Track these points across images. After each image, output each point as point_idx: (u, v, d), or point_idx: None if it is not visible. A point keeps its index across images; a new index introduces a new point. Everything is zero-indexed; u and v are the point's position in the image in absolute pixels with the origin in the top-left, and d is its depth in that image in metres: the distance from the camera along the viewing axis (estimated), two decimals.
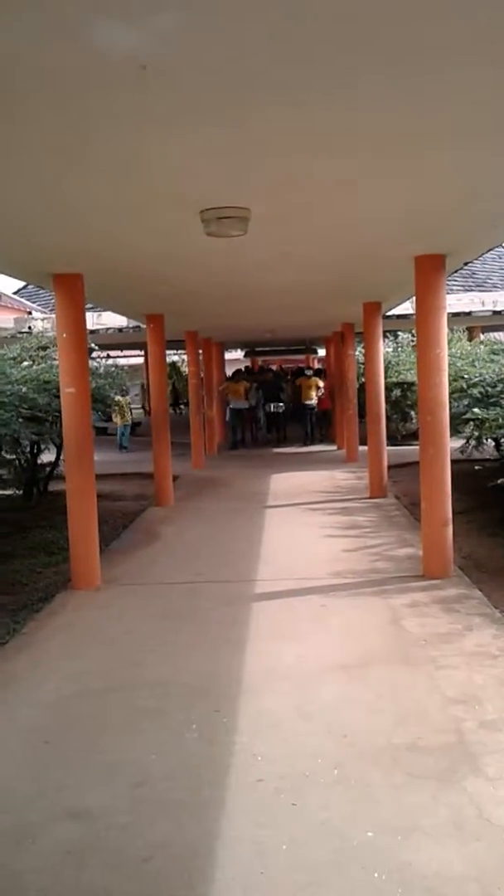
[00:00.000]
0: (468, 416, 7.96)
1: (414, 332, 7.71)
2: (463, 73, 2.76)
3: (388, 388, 13.06)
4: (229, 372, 20.10)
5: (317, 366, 27.38)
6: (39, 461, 10.60)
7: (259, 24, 2.30)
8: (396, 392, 14.82)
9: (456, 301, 16.67)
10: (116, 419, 17.29)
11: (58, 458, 10.49)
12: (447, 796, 3.17)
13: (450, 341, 10.91)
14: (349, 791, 3.25)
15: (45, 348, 10.61)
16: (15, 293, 20.31)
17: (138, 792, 3.33)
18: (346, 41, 2.45)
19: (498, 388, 7.93)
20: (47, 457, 10.84)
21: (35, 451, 10.27)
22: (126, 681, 4.55)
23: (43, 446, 10.39)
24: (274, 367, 27.12)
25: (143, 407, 22.97)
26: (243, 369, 20.99)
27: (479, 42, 2.50)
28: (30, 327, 14.88)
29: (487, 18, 2.32)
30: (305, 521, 9.07)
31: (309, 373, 19.11)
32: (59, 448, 9.97)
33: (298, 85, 2.80)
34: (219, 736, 3.79)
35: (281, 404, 17.66)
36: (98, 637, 5.34)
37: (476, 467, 8.44)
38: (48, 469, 10.81)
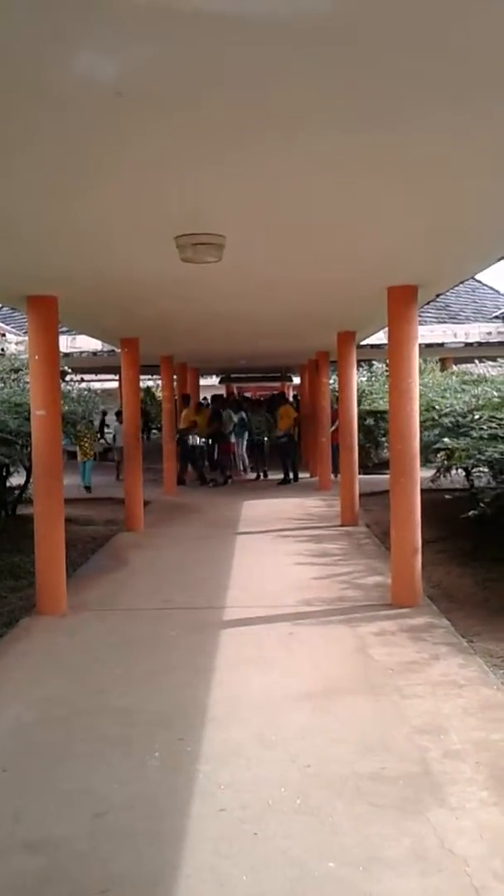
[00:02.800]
0: (439, 445, 8.03)
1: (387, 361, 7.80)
2: (433, 115, 2.83)
3: (362, 417, 13.13)
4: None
5: (292, 394, 27.45)
6: (8, 484, 10.48)
7: (237, 55, 2.35)
8: (370, 421, 14.91)
9: (429, 332, 16.94)
10: (80, 451, 14.13)
11: (27, 481, 10.37)
12: (410, 826, 3.15)
13: (422, 372, 11.02)
14: (312, 821, 3.22)
15: (17, 370, 10.54)
16: None
17: (98, 822, 3.26)
18: (318, 78, 2.50)
19: (468, 419, 8.02)
20: (18, 480, 10.72)
21: (4, 473, 10.15)
22: (89, 708, 4.48)
23: (13, 469, 10.28)
24: (248, 394, 27.00)
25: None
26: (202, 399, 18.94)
27: (458, 86, 2.58)
28: (2, 349, 14.78)
29: (467, 64, 2.39)
30: (276, 548, 9.05)
31: (280, 399, 18.60)
32: (29, 471, 9.86)
33: (274, 120, 2.86)
34: (182, 765, 3.74)
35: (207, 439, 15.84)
36: (62, 663, 5.26)
37: (447, 496, 8.50)
38: (17, 492, 10.69)
